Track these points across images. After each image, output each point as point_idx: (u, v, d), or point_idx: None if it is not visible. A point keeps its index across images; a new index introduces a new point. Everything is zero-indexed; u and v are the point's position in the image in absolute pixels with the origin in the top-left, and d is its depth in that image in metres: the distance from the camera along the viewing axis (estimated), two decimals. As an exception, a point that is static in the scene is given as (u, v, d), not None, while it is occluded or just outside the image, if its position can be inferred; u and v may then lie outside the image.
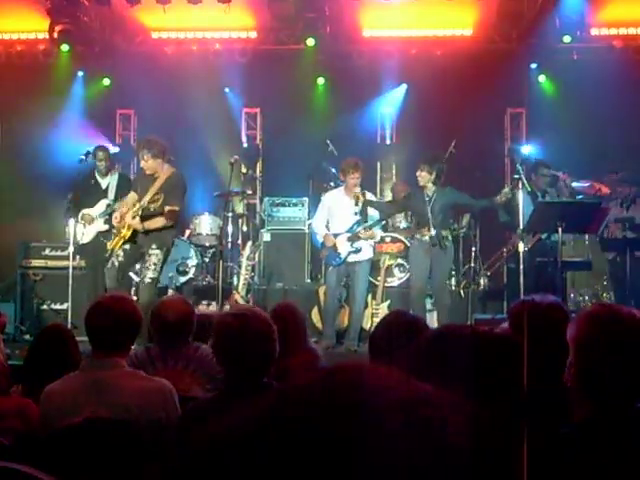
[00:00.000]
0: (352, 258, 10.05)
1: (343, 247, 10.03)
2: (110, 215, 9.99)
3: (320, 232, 10.33)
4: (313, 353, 5.72)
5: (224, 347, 3.77)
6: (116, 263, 9.08)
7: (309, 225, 11.64)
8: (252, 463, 0.98)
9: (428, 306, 10.38)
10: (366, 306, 10.62)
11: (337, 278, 10.19)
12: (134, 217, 8.89)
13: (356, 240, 10.03)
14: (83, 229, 10.25)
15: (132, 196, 9.32)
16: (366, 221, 10.05)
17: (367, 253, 10.19)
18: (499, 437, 0.95)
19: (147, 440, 3.63)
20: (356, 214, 10.01)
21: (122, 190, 10.38)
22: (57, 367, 4.35)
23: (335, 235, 10.08)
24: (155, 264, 8.93)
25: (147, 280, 8.87)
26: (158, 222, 8.95)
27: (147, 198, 8.93)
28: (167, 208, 8.93)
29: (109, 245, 9.25)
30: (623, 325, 2.64)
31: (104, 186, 10.69)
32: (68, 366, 4.32)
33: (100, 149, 10.88)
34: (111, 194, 10.62)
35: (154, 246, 8.97)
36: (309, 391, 1.00)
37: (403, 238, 11.47)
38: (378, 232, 10.42)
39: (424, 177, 9.82)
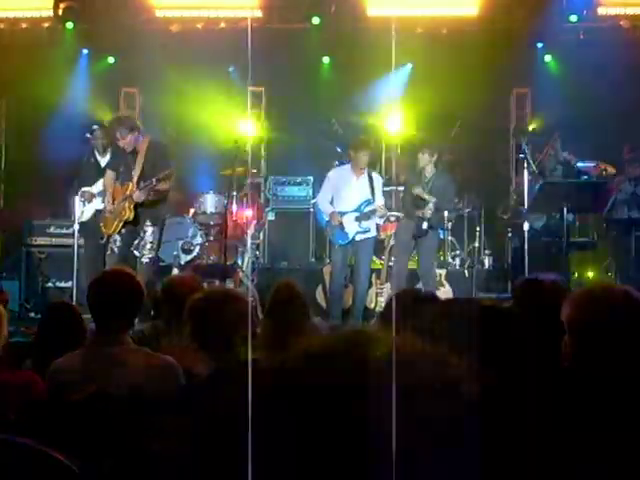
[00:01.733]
0: (359, 237, 10.04)
1: (351, 226, 10.00)
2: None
3: (326, 210, 10.26)
4: (318, 331, 5.73)
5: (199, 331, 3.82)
6: (115, 249, 9.07)
7: (314, 203, 11.61)
8: (265, 436, 0.98)
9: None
10: (370, 285, 10.64)
11: (343, 258, 10.16)
12: (134, 191, 8.87)
13: (364, 219, 10.00)
14: (82, 207, 10.23)
15: (110, 175, 9.29)
16: (374, 200, 10.03)
17: (373, 232, 10.19)
18: (506, 405, 0.96)
19: (152, 416, 3.64)
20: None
21: None
22: (67, 343, 4.37)
23: (342, 214, 10.04)
24: (151, 242, 8.93)
25: (145, 260, 8.87)
26: (161, 186, 8.95)
27: (137, 173, 8.90)
28: (164, 184, 8.90)
29: (105, 230, 9.19)
30: (616, 304, 2.63)
31: (103, 164, 10.63)
32: (77, 342, 4.33)
33: (97, 127, 10.80)
34: None
35: (148, 222, 8.96)
36: (318, 357, 1.01)
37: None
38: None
39: (425, 159, 9.83)
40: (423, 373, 0.91)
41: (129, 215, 8.93)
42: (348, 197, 10.11)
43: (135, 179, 8.89)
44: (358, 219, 9.99)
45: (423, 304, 3.65)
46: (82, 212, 10.20)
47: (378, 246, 11.08)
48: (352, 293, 10.30)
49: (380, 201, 10.09)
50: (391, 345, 0.95)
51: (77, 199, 10.21)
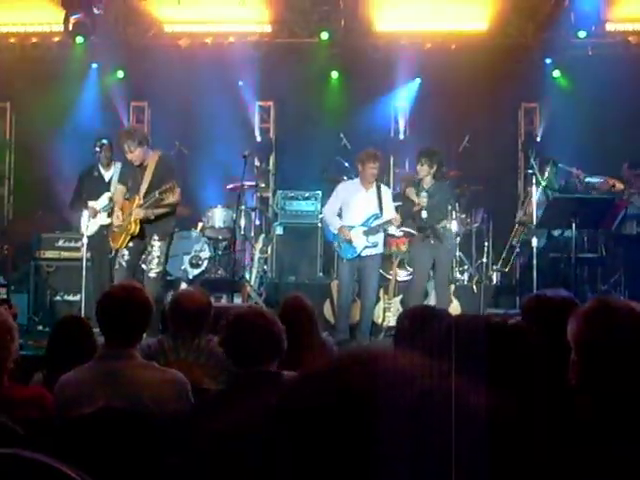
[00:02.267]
0: (366, 252, 10.01)
1: (359, 241, 9.97)
2: (113, 208, 9.91)
3: (334, 223, 10.20)
4: (326, 345, 5.72)
5: (233, 341, 3.80)
6: (124, 264, 9.03)
7: (322, 218, 11.59)
8: (270, 456, 0.98)
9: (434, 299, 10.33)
10: (378, 300, 10.62)
11: (350, 272, 10.12)
12: (139, 207, 8.85)
13: (372, 234, 9.97)
14: (87, 222, 10.22)
15: (120, 189, 9.25)
16: (382, 214, 10.00)
17: (380, 247, 10.15)
18: (512, 423, 0.96)
19: (160, 431, 3.65)
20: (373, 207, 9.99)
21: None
22: (76, 357, 4.37)
23: (350, 228, 10.02)
24: (159, 257, 8.89)
25: (152, 275, 8.83)
26: (166, 207, 8.93)
27: (145, 187, 8.89)
28: (171, 198, 8.83)
29: (113, 244, 9.17)
30: (620, 320, 2.61)
31: (107, 178, 10.59)
32: (87, 356, 4.33)
33: (106, 141, 10.74)
34: (113, 187, 10.49)
35: (156, 237, 8.93)
36: (322, 379, 1.00)
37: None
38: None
39: (424, 170, 9.82)
40: (427, 391, 0.91)
41: (134, 229, 8.89)
42: (356, 211, 10.08)
43: (142, 193, 8.87)
44: (366, 233, 9.96)
45: (435, 321, 3.65)
46: (87, 227, 10.17)
47: (386, 261, 11.08)
48: (360, 308, 10.27)
49: (391, 212, 10.06)
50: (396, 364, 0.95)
51: (86, 213, 10.20)
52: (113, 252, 9.20)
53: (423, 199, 9.79)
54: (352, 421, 0.92)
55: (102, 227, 10.20)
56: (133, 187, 9.00)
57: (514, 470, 0.94)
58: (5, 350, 3.81)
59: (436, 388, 0.88)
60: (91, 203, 10.36)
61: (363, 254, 9.98)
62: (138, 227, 8.86)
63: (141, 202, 8.80)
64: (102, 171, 10.60)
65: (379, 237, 10.07)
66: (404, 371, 0.95)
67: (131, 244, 9.02)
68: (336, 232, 10.16)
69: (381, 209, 10.00)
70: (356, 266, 10.12)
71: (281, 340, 3.84)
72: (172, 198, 8.79)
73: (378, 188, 10.08)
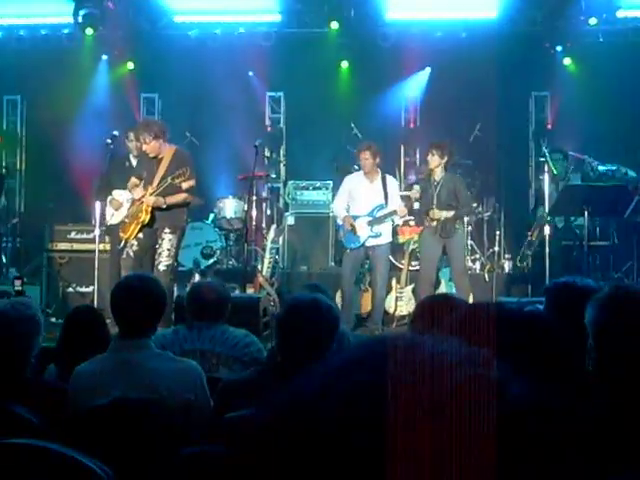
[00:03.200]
0: (370, 242, 10.00)
1: (363, 231, 9.96)
2: None
3: (340, 214, 10.23)
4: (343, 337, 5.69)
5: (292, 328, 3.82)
6: (131, 253, 9.02)
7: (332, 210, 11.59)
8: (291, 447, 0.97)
9: (445, 290, 10.30)
10: (390, 290, 10.62)
11: (354, 262, 10.11)
12: (152, 194, 8.81)
13: (376, 224, 9.97)
14: (113, 210, 10.15)
15: (133, 182, 9.22)
16: (387, 204, 10.00)
17: (387, 237, 10.12)
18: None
19: (176, 421, 3.65)
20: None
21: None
22: (90, 348, 4.38)
23: (355, 218, 10.03)
24: (169, 249, 8.78)
25: (162, 268, 8.70)
26: (179, 197, 8.85)
27: (158, 179, 8.85)
28: (184, 184, 8.82)
29: (123, 234, 9.12)
30: (637, 306, 2.60)
31: None
32: (101, 347, 4.34)
33: (131, 129, 10.62)
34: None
35: (167, 230, 8.83)
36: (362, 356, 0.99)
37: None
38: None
39: (435, 160, 9.78)
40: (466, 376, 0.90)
41: (145, 218, 8.82)
42: (361, 202, 10.08)
43: (155, 184, 8.85)
44: (370, 223, 9.95)
45: (455, 310, 3.64)
46: (112, 215, 10.07)
47: (398, 250, 11.07)
48: (371, 297, 10.27)
49: (397, 203, 10.04)
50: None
51: (99, 204, 10.15)
52: (122, 243, 9.14)
53: (414, 192, 9.86)
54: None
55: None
56: (147, 179, 8.98)
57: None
58: (31, 343, 3.85)
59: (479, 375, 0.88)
60: (116, 195, 10.19)
61: (367, 244, 9.97)
62: (149, 216, 8.81)
63: (152, 191, 8.79)
64: (133, 162, 10.51)
65: (384, 227, 10.04)
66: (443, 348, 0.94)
67: (141, 235, 8.99)
68: (340, 222, 10.19)
69: (386, 200, 10.00)
70: (361, 256, 10.11)
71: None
72: (185, 185, 8.77)
73: (383, 179, 10.09)
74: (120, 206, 10.03)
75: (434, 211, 9.70)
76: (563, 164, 11.37)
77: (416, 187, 9.96)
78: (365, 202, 10.05)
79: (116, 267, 9.82)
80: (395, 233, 11.47)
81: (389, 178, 10.24)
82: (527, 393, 0.90)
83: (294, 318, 3.82)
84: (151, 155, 8.93)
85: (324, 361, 1.02)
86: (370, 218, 9.96)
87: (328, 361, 1.01)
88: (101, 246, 10.17)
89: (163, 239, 8.82)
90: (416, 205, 10.01)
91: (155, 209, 8.83)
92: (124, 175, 10.08)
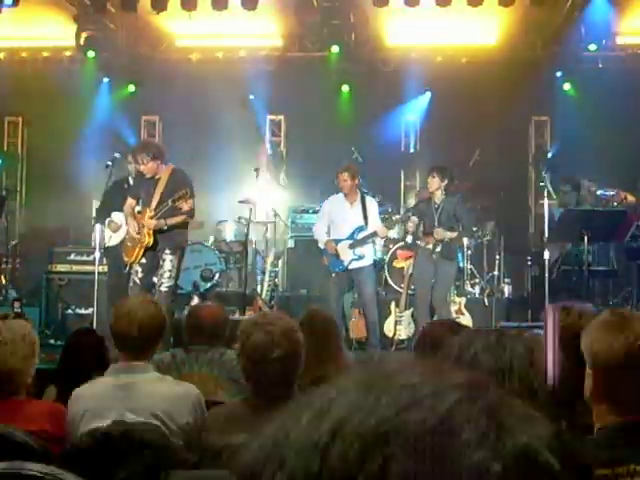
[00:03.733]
0: (354, 265, 9.99)
1: (345, 254, 9.97)
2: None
3: (321, 238, 10.20)
4: (348, 360, 5.66)
5: (250, 355, 3.75)
6: (137, 281, 8.99)
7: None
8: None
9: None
10: (389, 314, 10.62)
11: (339, 286, 10.06)
12: (151, 218, 8.81)
13: (358, 246, 9.97)
14: (111, 232, 10.18)
15: (129, 203, 9.23)
16: (367, 226, 9.99)
17: (369, 259, 10.11)
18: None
19: (174, 444, 3.64)
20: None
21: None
22: (90, 370, 4.38)
23: (336, 242, 10.04)
24: (170, 270, 8.78)
25: (163, 289, 8.71)
26: (179, 218, 8.82)
27: (156, 199, 8.87)
28: (185, 206, 8.71)
29: (127, 258, 9.11)
30: (634, 332, 2.60)
31: None
32: (101, 369, 4.34)
33: (119, 155, 10.64)
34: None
35: (167, 251, 8.82)
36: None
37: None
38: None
39: (435, 183, 9.79)
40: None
41: (148, 241, 8.82)
42: (342, 225, 10.07)
43: (153, 205, 8.85)
44: (352, 246, 9.96)
45: (455, 334, 3.63)
46: (110, 237, 10.11)
47: (397, 274, 11.07)
48: (364, 323, 10.22)
49: (377, 224, 10.05)
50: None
51: (98, 227, 10.17)
52: (127, 267, 9.12)
53: (410, 225, 9.89)
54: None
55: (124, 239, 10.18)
56: (145, 200, 8.99)
57: None
58: (27, 363, 3.83)
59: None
60: (114, 217, 10.24)
61: (351, 267, 9.97)
62: (152, 239, 8.82)
63: (152, 214, 8.79)
64: (131, 182, 10.54)
65: (366, 249, 10.05)
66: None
67: (144, 260, 8.97)
68: (322, 247, 10.16)
69: (366, 221, 10.01)
70: (346, 280, 10.09)
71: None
72: (185, 206, 8.77)
73: (363, 200, 10.10)
74: (118, 228, 10.07)
75: (438, 230, 9.70)
76: (573, 195, 11.36)
77: (413, 219, 9.94)
78: (345, 225, 10.06)
79: (115, 290, 9.83)
80: (394, 258, 11.49)
81: (368, 199, 10.25)
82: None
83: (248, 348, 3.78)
84: (148, 176, 8.93)
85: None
86: (351, 241, 9.97)
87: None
88: (100, 268, 10.18)
89: (164, 260, 8.82)
90: (409, 238, 9.99)
91: (157, 231, 8.84)
92: (124, 198, 10.11)
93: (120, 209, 10.02)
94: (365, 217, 10.01)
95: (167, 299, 8.59)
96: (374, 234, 10.01)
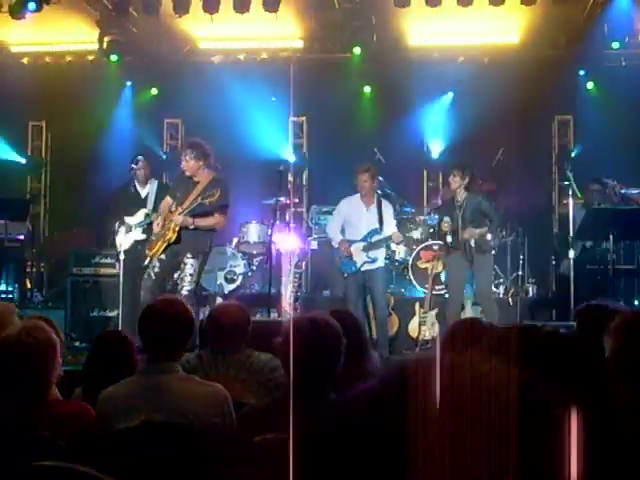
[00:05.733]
0: (366, 267, 9.98)
1: (358, 256, 9.95)
2: (149, 225, 9.95)
3: (335, 238, 10.21)
4: (374, 361, 5.62)
5: (293, 352, 3.74)
6: (152, 275, 9.02)
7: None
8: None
9: (470, 313, 10.22)
10: (414, 314, 10.60)
11: (357, 287, 10.02)
12: (181, 213, 8.89)
13: (372, 249, 9.95)
14: (122, 237, 10.26)
15: (166, 201, 9.32)
16: (382, 229, 9.98)
17: (381, 261, 10.12)
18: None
19: (203, 445, 3.65)
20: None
21: (161, 199, 10.39)
22: (117, 371, 4.38)
23: (350, 242, 10.02)
24: (191, 275, 8.86)
25: (184, 292, 8.75)
26: (209, 220, 8.94)
27: (190, 200, 8.90)
28: (217, 211, 8.93)
29: (149, 252, 9.17)
30: None
31: (143, 195, 10.61)
32: (127, 370, 4.35)
33: (142, 157, 10.77)
34: (150, 203, 10.48)
35: (189, 255, 8.90)
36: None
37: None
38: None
39: (457, 181, 9.77)
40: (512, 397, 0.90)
41: (172, 236, 8.88)
42: (357, 226, 10.07)
43: (186, 205, 8.92)
44: (365, 249, 9.94)
45: (484, 333, 3.61)
46: (120, 243, 10.20)
47: (421, 275, 11.06)
48: (375, 324, 10.19)
49: (391, 228, 10.03)
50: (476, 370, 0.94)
51: (123, 228, 10.23)
52: (147, 260, 9.16)
53: (445, 225, 9.80)
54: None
55: (136, 242, 10.24)
56: (180, 199, 9.06)
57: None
58: (50, 365, 3.84)
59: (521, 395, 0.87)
60: (125, 219, 10.39)
61: (363, 269, 9.95)
62: (175, 235, 8.88)
63: (181, 211, 8.87)
64: (138, 188, 10.64)
65: (379, 252, 10.04)
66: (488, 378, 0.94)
67: (163, 257, 9.02)
68: (336, 247, 10.14)
69: (381, 225, 9.99)
70: (360, 282, 10.06)
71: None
72: (217, 220, 8.89)
73: (379, 203, 10.09)
74: (130, 230, 10.19)
75: (466, 230, 9.67)
76: (598, 194, 11.28)
77: (446, 219, 9.87)
78: (360, 227, 10.05)
79: (134, 293, 9.89)
80: (418, 258, 11.47)
81: (385, 202, 10.24)
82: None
83: (292, 341, 3.76)
84: (187, 174, 9.04)
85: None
86: (365, 243, 9.95)
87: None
88: (122, 270, 10.21)
89: (185, 264, 8.88)
90: (448, 238, 9.92)
91: (182, 229, 8.89)
92: (130, 202, 10.23)
93: (127, 213, 10.15)
94: (381, 220, 10.00)
95: (187, 302, 8.59)
96: (388, 238, 10.00)
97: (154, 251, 9.05)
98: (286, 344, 3.73)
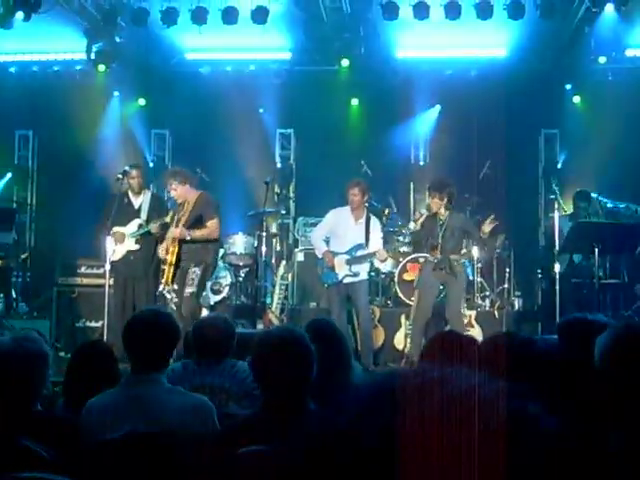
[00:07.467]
0: (347, 280, 9.99)
1: (341, 268, 9.97)
2: (142, 235, 10.22)
3: (319, 246, 10.24)
4: (355, 372, 5.62)
5: (263, 366, 3.75)
6: (173, 306, 9.24)
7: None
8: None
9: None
10: (400, 326, 10.60)
11: (339, 300, 10.06)
12: (176, 227, 9.29)
13: (355, 264, 9.97)
14: (114, 247, 10.25)
15: (154, 226, 9.99)
16: (367, 245, 10.00)
17: (364, 275, 10.14)
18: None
19: (186, 456, 3.64)
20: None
21: (154, 210, 10.43)
22: (98, 382, 4.37)
23: (334, 254, 10.03)
24: (193, 279, 9.30)
25: (186, 294, 9.24)
26: (203, 231, 9.36)
27: (182, 221, 9.39)
28: (208, 222, 9.37)
29: (162, 280, 9.53)
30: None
31: (136, 205, 10.60)
32: (108, 381, 4.33)
33: (133, 167, 10.74)
34: (143, 214, 10.48)
35: (193, 264, 9.34)
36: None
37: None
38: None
39: (436, 203, 9.80)
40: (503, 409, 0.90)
41: (171, 259, 9.41)
42: (342, 239, 10.09)
43: (180, 225, 9.35)
44: (348, 262, 9.96)
45: (466, 346, 3.62)
46: (113, 251, 10.18)
47: (407, 287, 11.05)
48: (359, 335, 10.18)
49: (376, 245, 10.03)
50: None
51: (109, 239, 10.19)
52: (162, 287, 9.43)
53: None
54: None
55: (129, 252, 10.27)
56: (175, 221, 9.49)
57: None
58: (39, 376, 3.84)
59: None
60: (119, 228, 10.31)
61: (345, 281, 9.97)
62: (174, 257, 9.37)
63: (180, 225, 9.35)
64: (132, 198, 10.62)
65: (362, 267, 10.06)
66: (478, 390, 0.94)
67: (175, 286, 9.36)
68: (320, 256, 10.15)
69: (367, 241, 10.00)
70: (343, 293, 10.07)
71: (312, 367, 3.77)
72: (209, 233, 9.39)
73: (367, 219, 10.11)
74: (123, 238, 10.24)
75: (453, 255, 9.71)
76: (584, 208, 11.30)
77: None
78: (346, 240, 10.06)
79: (124, 302, 10.07)
80: (404, 270, 11.47)
81: (373, 219, 10.26)
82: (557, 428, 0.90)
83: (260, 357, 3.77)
84: (178, 201, 9.61)
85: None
86: (349, 257, 9.96)
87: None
88: (111, 281, 10.19)
89: (189, 273, 9.35)
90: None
91: (181, 244, 9.33)
92: (123, 212, 10.28)
93: (120, 224, 10.20)
94: (367, 236, 10.01)
95: (190, 302, 9.27)
96: (373, 254, 10.01)
97: (166, 278, 9.42)
98: (256, 361, 3.75)
